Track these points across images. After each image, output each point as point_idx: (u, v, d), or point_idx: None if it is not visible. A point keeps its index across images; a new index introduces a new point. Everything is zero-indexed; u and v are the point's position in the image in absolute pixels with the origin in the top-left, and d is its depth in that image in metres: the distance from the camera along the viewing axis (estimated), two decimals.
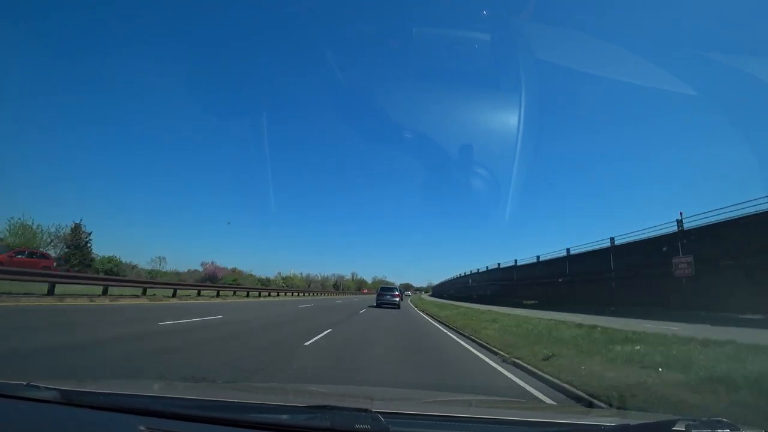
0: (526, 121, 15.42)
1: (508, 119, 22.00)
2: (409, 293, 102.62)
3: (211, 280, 49.58)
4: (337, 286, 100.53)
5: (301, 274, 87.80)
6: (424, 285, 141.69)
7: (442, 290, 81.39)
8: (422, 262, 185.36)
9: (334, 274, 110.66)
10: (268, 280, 65.23)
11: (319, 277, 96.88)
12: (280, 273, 77.52)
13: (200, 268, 58.06)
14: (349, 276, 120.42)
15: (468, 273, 61.30)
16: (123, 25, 65.60)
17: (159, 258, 55.12)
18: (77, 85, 73.57)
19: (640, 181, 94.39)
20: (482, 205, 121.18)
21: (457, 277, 71.33)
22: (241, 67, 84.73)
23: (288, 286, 62.60)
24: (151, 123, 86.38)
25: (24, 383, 1.51)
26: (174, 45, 70.07)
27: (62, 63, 65.01)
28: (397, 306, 24.88)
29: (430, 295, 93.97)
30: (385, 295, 25.65)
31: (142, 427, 1.19)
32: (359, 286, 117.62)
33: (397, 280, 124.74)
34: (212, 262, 58.59)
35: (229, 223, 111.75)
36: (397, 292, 27.31)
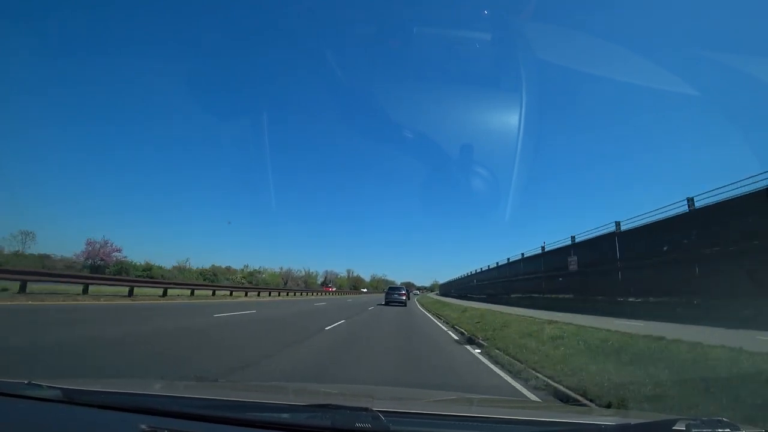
0: (526, 121, 15.33)
1: (509, 119, 21.99)
2: (417, 292, 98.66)
3: (95, 269, 34.94)
4: (327, 285, 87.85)
5: (281, 268, 73.62)
6: (427, 284, 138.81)
7: (460, 289, 63.21)
8: (423, 261, 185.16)
9: (326, 271, 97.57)
10: (214, 274, 50.06)
11: (302, 273, 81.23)
12: (247, 266, 62.98)
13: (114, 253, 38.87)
14: (343, 273, 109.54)
15: (484, 269, 47.26)
16: (123, 24, 65.55)
17: (22, 233, 38.36)
18: (74, 83, 73.15)
19: (641, 180, 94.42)
20: (483, 205, 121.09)
21: (471, 274, 56.37)
22: (242, 67, 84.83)
23: (251, 282, 50.69)
24: (150, 122, 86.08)
25: (25, 382, 1.52)
26: (174, 45, 70.06)
27: (59, 61, 64.54)
28: (403, 304, 28.15)
29: (438, 294, 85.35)
30: (392, 294, 29.28)
31: (143, 426, 1.20)
32: (354, 284, 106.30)
33: (397, 279, 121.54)
34: (105, 241, 38.67)
35: (229, 223, 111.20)
36: (403, 291, 30.95)
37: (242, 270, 61.74)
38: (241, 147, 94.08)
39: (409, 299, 33.93)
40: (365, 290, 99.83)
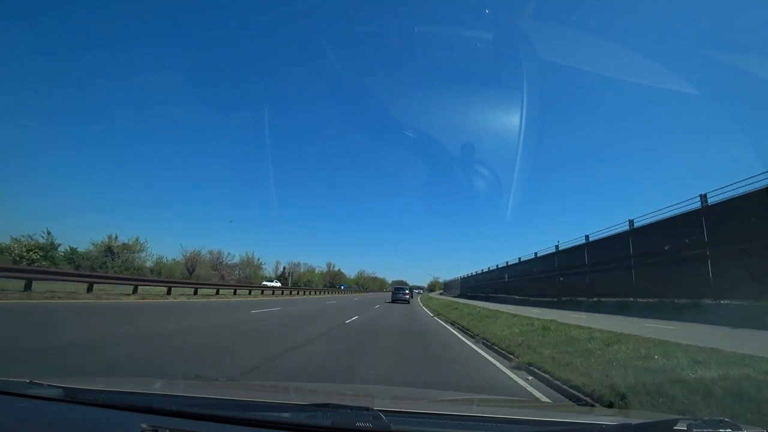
0: (528, 120, 15.21)
1: (510, 118, 21.94)
2: (419, 292, 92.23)
3: None
4: (285, 280, 64.18)
5: (209, 252, 49.99)
6: (420, 283, 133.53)
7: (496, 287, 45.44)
8: (419, 260, 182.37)
9: (291, 263, 73.37)
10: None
11: (236, 260, 54.54)
12: (114, 236, 36.17)
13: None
14: (323, 267, 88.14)
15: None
16: (121, 18, 64.69)
17: None
18: (66, 79, 71.38)
19: (644, 179, 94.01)
20: (484, 204, 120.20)
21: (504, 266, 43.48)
22: (242, 65, 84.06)
23: (102, 267, 30.15)
24: (148, 119, 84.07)
25: (27, 381, 1.53)
26: (174, 43, 69.50)
27: (50, 56, 63.27)
28: (407, 302, 31.99)
29: (445, 294, 72.16)
30: (397, 294, 34.34)
31: (144, 425, 1.20)
32: (332, 280, 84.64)
33: (388, 277, 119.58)
34: None
35: (231, 222, 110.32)
36: (407, 291, 36.18)
37: (109, 239, 35.13)
38: (241, 145, 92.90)
39: (412, 297, 38.93)
40: (275, 283, 53.35)
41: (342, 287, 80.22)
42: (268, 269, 65.27)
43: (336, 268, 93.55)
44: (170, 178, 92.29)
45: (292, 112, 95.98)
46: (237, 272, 53.44)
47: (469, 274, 65.79)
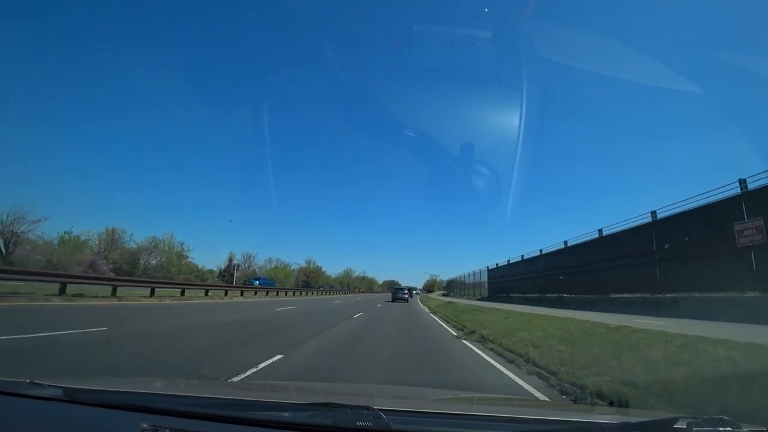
0: (527, 119, 15.16)
1: (510, 117, 21.84)
2: (418, 292, 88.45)
3: None
4: (230, 276, 51.51)
5: (107, 230, 37.10)
6: (414, 283, 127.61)
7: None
8: (415, 259, 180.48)
9: (246, 254, 60.44)
10: None
11: (138, 243, 39.35)
12: None
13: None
14: (301, 263, 76.80)
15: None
16: (121, 17, 64.06)
17: None
18: (68, 79, 70.54)
19: (643, 177, 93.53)
20: (484, 202, 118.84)
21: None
22: (240, 65, 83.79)
23: None
24: (147, 118, 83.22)
25: (27, 381, 1.53)
26: (173, 42, 69.17)
27: (50, 56, 62.70)
28: (406, 301, 34.41)
29: (461, 297, 48.71)
30: (397, 293, 37.00)
31: (144, 425, 1.20)
32: (306, 279, 72.57)
33: (379, 277, 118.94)
34: None
35: (231, 222, 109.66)
36: (406, 291, 39.20)
37: None
38: (241, 144, 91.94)
39: (411, 297, 42.32)
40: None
41: (257, 282, 47.93)
42: (210, 259, 53.65)
43: (314, 265, 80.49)
44: (170, 178, 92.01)
45: (292, 111, 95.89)
46: (142, 262, 37.40)
47: (505, 263, 39.57)
